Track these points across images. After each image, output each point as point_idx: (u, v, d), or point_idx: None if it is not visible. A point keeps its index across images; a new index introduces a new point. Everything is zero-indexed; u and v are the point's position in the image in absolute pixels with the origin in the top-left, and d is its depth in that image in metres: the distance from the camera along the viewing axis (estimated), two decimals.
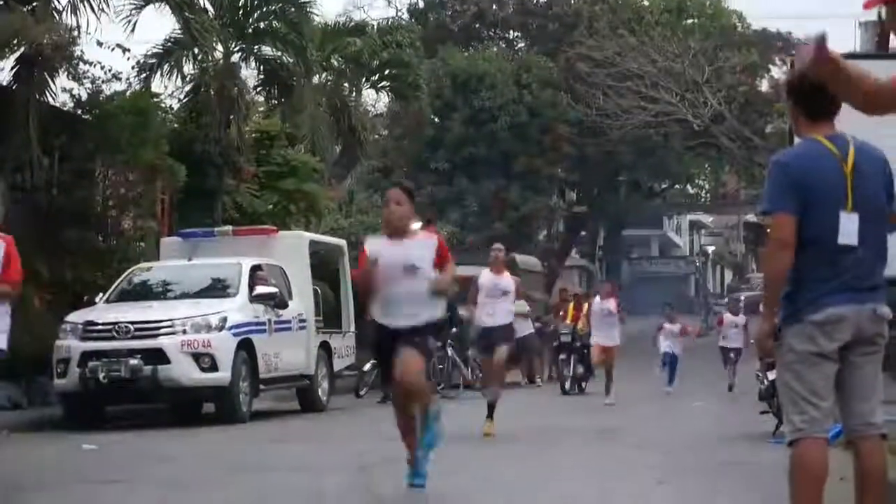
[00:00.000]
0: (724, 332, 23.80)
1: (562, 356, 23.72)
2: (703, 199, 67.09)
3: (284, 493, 8.93)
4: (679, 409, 19.34)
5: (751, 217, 65.63)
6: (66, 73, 21.01)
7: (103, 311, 16.46)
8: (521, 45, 48.26)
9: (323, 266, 21.03)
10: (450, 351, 22.29)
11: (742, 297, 32.99)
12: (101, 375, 15.52)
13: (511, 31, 48.64)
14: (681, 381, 23.23)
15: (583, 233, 54.61)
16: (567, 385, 23.27)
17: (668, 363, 23.16)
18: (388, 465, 9.80)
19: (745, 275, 77.66)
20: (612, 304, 21.25)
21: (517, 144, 41.04)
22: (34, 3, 20.38)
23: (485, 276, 14.46)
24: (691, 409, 19.35)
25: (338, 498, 8.71)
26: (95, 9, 19.60)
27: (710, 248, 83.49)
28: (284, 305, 17.99)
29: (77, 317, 16.51)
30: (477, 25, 47.26)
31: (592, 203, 49.95)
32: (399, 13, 45.56)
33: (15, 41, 19.34)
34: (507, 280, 14.58)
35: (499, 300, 14.28)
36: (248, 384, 16.70)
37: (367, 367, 20.84)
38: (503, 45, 48.25)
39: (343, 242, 22.44)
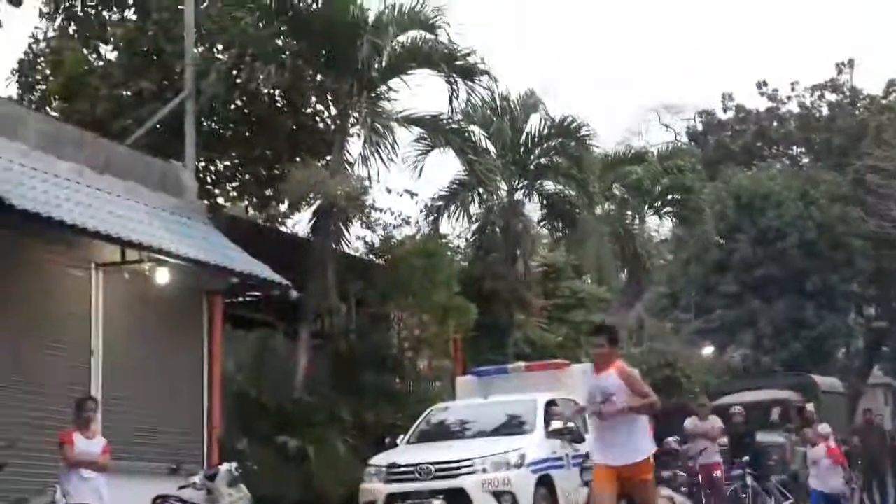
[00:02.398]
0: None
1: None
2: None
3: None
4: None
5: None
6: (359, 221, 21.88)
7: (405, 453, 16.71)
8: (806, 160, 47.27)
9: None
10: (749, 479, 21.43)
11: None
12: None
13: (794, 147, 47.75)
14: None
15: (884, 348, 52.23)
16: None
17: None
18: None
19: None
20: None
21: (808, 262, 39.92)
22: (328, 158, 21.39)
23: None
24: None
25: None
26: (384, 158, 20.35)
27: None
28: (581, 440, 17.81)
29: (381, 459, 16.83)
30: (759, 144, 46.65)
31: (893, 317, 47.84)
32: (678, 137, 45.50)
33: (312, 195, 20.30)
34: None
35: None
36: None
37: None
38: (787, 162, 47.38)
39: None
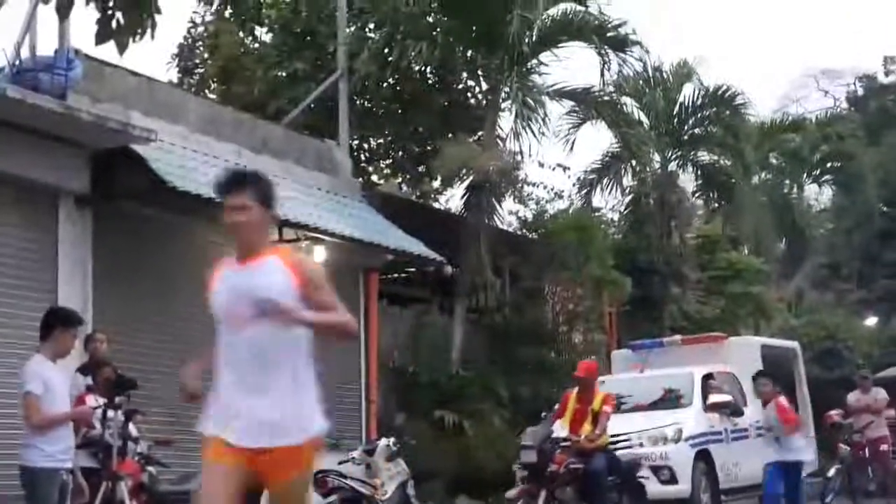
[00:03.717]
0: None
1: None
2: None
3: None
4: None
5: None
6: (511, 196, 21.92)
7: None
8: None
9: (776, 369, 20.41)
10: None
11: None
12: None
13: None
14: None
15: None
16: None
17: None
18: None
19: None
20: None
21: None
22: (480, 134, 21.46)
23: None
24: None
25: None
26: (536, 133, 20.29)
27: None
28: (740, 413, 17.61)
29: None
30: None
31: None
32: (837, 103, 44.39)
33: (464, 171, 20.39)
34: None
35: None
36: (708, 495, 16.42)
37: (832, 472, 19.98)
38: None
39: (795, 344, 21.80)
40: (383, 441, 13.97)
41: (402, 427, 16.53)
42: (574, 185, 25.94)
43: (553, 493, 12.71)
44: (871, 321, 33.07)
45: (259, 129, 16.57)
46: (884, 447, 19.44)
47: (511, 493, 12.88)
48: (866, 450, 19.49)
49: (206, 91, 22.85)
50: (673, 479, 15.84)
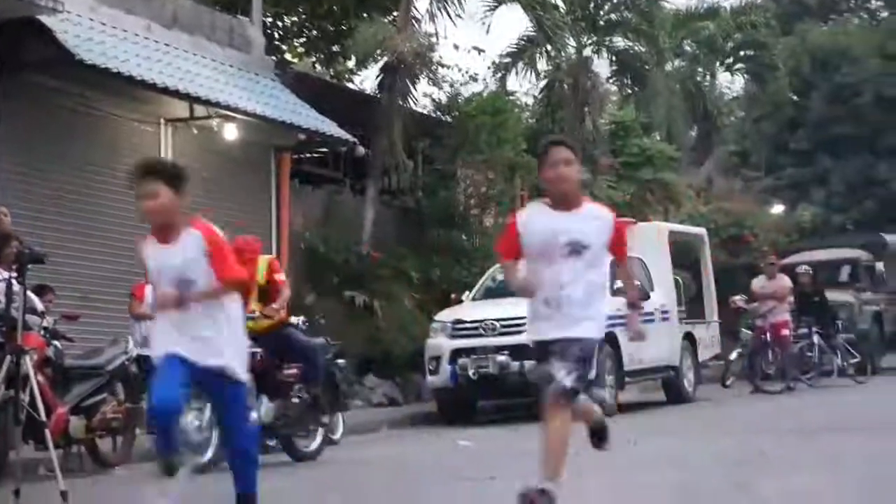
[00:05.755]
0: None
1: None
2: None
3: (652, 490, 8.79)
4: None
5: None
6: (426, 78, 21.77)
7: (470, 309, 16.89)
8: (885, 14, 46.03)
9: (683, 255, 20.79)
10: (816, 338, 21.41)
11: None
12: (471, 372, 15.95)
13: (872, 1, 46.49)
14: None
15: None
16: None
17: None
18: (763, 460, 9.54)
19: None
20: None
21: (884, 119, 39.06)
22: (395, 14, 21.23)
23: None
24: None
25: (712, 496, 8.50)
26: (452, 14, 20.13)
27: None
28: (646, 297, 17.87)
29: (446, 315, 17.03)
30: None
31: None
32: None
33: (378, 51, 20.20)
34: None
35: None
36: (613, 377, 16.74)
37: (733, 356, 20.49)
38: (864, 16, 46.17)
39: (703, 231, 22.13)
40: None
41: (312, 306, 16.57)
42: (489, 68, 25.84)
43: None
44: (778, 209, 33.59)
45: (169, 3, 16.24)
46: (785, 332, 19.97)
47: None
48: (767, 334, 20.01)
49: None
50: None
